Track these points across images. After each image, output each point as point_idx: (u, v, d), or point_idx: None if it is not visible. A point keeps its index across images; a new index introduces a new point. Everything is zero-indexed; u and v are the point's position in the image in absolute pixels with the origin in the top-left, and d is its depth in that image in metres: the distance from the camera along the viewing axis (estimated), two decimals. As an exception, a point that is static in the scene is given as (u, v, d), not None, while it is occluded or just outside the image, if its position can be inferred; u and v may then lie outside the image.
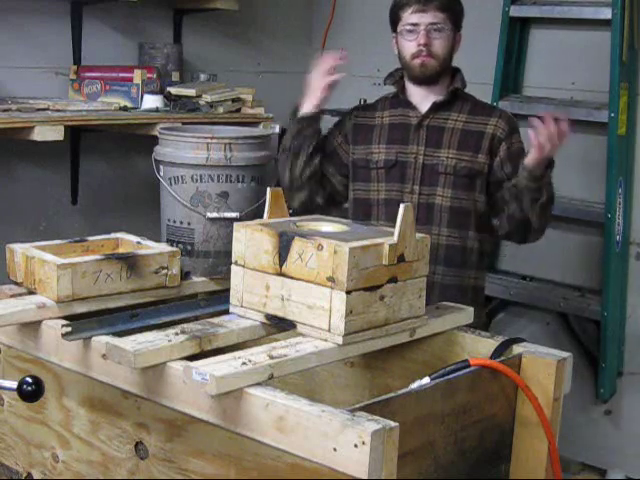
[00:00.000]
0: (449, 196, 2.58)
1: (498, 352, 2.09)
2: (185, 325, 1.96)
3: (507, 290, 3.63)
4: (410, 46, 2.59)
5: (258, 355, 1.80)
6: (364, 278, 1.89)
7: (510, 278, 3.68)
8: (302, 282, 1.92)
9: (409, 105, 2.67)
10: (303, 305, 1.92)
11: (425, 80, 2.63)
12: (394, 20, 2.65)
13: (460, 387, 1.91)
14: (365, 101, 3.75)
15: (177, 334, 1.90)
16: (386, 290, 1.94)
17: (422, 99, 2.65)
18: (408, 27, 2.58)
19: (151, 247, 2.33)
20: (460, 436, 1.92)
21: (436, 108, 2.63)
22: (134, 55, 3.58)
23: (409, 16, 2.58)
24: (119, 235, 2.44)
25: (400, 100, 2.69)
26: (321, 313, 1.89)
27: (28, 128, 2.89)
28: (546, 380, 2.03)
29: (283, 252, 1.95)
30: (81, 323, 1.98)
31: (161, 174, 2.49)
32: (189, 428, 1.84)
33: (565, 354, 2.08)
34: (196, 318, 2.11)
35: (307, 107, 2.64)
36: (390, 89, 2.75)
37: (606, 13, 3.31)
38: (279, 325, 1.99)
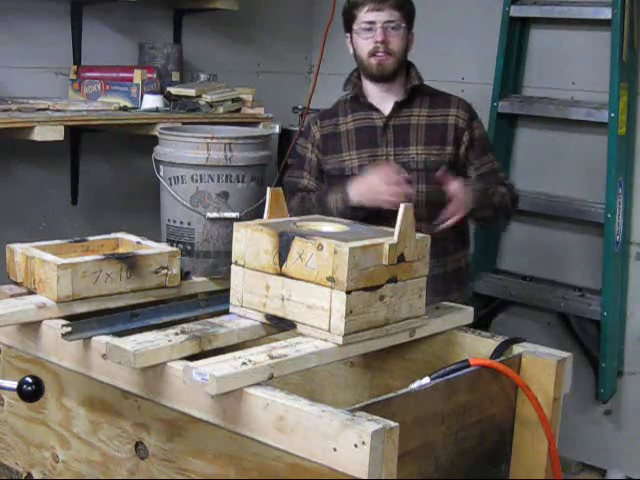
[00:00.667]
0: (424, 191, 2.62)
1: (498, 352, 2.09)
2: (185, 325, 1.96)
3: (507, 290, 3.63)
4: (366, 44, 2.62)
5: (258, 355, 1.80)
6: (364, 278, 1.89)
7: (510, 278, 3.68)
8: (302, 282, 1.92)
9: (371, 107, 2.70)
10: (303, 305, 1.92)
11: (382, 78, 2.66)
12: (348, 19, 2.68)
13: (460, 387, 1.91)
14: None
15: (177, 334, 1.90)
16: (386, 290, 1.94)
17: (382, 100, 2.69)
18: (364, 25, 2.62)
19: (151, 247, 2.34)
20: (460, 436, 1.92)
21: (398, 107, 2.67)
22: (134, 55, 3.58)
23: (365, 15, 2.61)
24: (119, 235, 2.44)
25: (360, 103, 2.72)
26: (321, 313, 1.89)
27: (28, 128, 2.89)
28: (546, 380, 2.03)
29: (283, 252, 1.95)
30: (81, 323, 1.98)
31: (161, 174, 2.49)
32: (189, 428, 1.84)
33: (565, 354, 2.08)
34: (196, 318, 2.11)
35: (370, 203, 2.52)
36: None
37: (606, 13, 3.31)
38: (279, 325, 1.99)
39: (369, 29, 2.61)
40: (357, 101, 2.72)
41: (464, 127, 2.67)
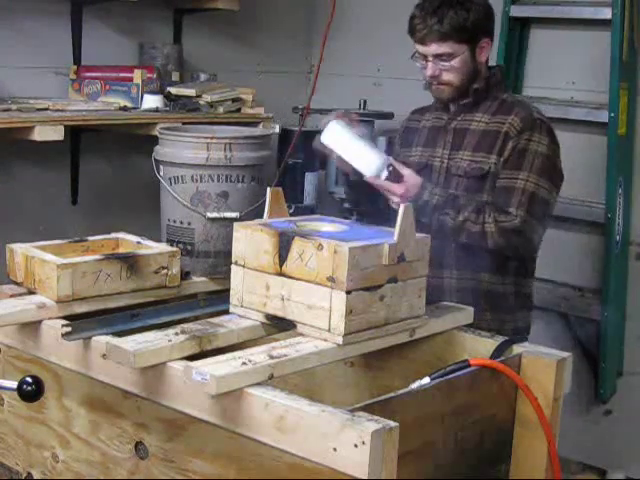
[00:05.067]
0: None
1: (498, 352, 2.09)
2: (185, 325, 1.96)
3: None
4: (423, 72, 2.54)
5: (258, 355, 1.80)
6: (364, 278, 1.89)
7: (510, 278, 3.68)
8: (302, 282, 1.92)
9: (445, 107, 2.64)
10: (303, 305, 1.92)
11: (445, 102, 2.60)
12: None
13: (460, 387, 1.91)
14: (365, 102, 3.76)
15: (177, 334, 1.90)
16: (386, 290, 1.94)
17: (459, 96, 2.58)
18: (417, 54, 2.53)
19: (151, 247, 2.34)
20: (460, 436, 1.92)
21: (462, 110, 2.59)
22: (134, 55, 3.58)
23: (415, 44, 2.52)
24: (119, 235, 2.44)
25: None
26: (321, 313, 1.89)
27: (28, 128, 2.89)
28: (546, 380, 2.03)
29: (283, 252, 1.95)
30: (81, 323, 1.98)
31: (161, 174, 2.49)
32: (189, 428, 1.84)
33: (565, 354, 2.08)
34: (196, 318, 2.11)
35: None
36: None
37: (606, 13, 3.31)
38: (279, 325, 1.99)
39: (421, 58, 2.52)
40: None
41: (512, 136, 2.48)
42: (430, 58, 2.49)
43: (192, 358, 1.83)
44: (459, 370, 1.91)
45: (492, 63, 3.58)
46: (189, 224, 2.46)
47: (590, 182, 3.48)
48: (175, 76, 3.57)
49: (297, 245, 1.92)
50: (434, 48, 2.47)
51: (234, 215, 2.42)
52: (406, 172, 2.45)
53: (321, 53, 3.72)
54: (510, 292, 2.59)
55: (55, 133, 2.93)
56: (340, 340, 1.88)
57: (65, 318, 2.07)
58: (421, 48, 2.50)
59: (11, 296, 2.18)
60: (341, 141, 2.44)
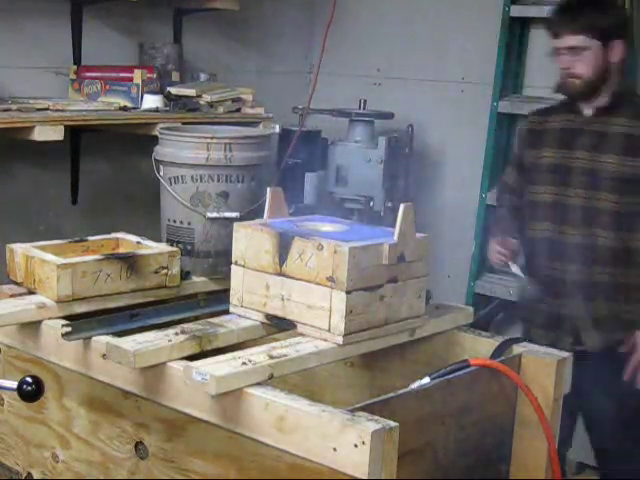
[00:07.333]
0: (614, 201, 2.59)
1: (498, 352, 2.09)
2: (185, 325, 1.96)
3: (507, 290, 3.63)
4: (557, 66, 2.64)
5: (258, 355, 1.80)
6: (364, 278, 1.89)
7: (510, 278, 3.68)
8: (302, 282, 1.92)
9: (575, 109, 2.69)
10: (303, 305, 1.92)
11: (573, 99, 2.67)
12: None
13: (460, 387, 1.91)
14: (365, 102, 3.75)
15: (177, 334, 1.90)
16: (386, 290, 1.94)
17: (586, 103, 2.66)
18: (553, 49, 2.63)
19: (151, 247, 2.34)
20: (460, 436, 1.92)
21: (599, 113, 2.65)
22: (134, 55, 3.58)
23: (550, 40, 2.63)
24: (119, 235, 2.44)
25: (569, 103, 2.73)
26: (321, 313, 1.89)
27: (28, 128, 2.89)
28: (546, 380, 2.03)
29: (283, 252, 1.95)
30: (81, 323, 1.98)
31: (161, 174, 2.49)
32: (189, 428, 1.84)
33: (565, 354, 2.08)
34: (196, 318, 2.11)
35: None
36: None
37: (606, 13, 3.31)
38: (279, 325, 1.99)
39: (557, 54, 2.62)
40: (568, 102, 2.73)
41: None
42: (564, 51, 2.59)
43: (192, 358, 1.83)
44: (459, 370, 1.91)
45: (492, 63, 3.61)
46: (189, 224, 2.46)
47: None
48: (175, 76, 3.57)
49: (297, 245, 1.92)
50: (568, 40, 2.57)
51: (234, 215, 2.42)
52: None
53: (321, 53, 3.73)
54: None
55: (55, 133, 2.93)
56: (340, 340, 1.88)
57: (65, 318, 2.07)
58: (556, 42, 2.60)
59: (11, 296, 2.18)
60: None
